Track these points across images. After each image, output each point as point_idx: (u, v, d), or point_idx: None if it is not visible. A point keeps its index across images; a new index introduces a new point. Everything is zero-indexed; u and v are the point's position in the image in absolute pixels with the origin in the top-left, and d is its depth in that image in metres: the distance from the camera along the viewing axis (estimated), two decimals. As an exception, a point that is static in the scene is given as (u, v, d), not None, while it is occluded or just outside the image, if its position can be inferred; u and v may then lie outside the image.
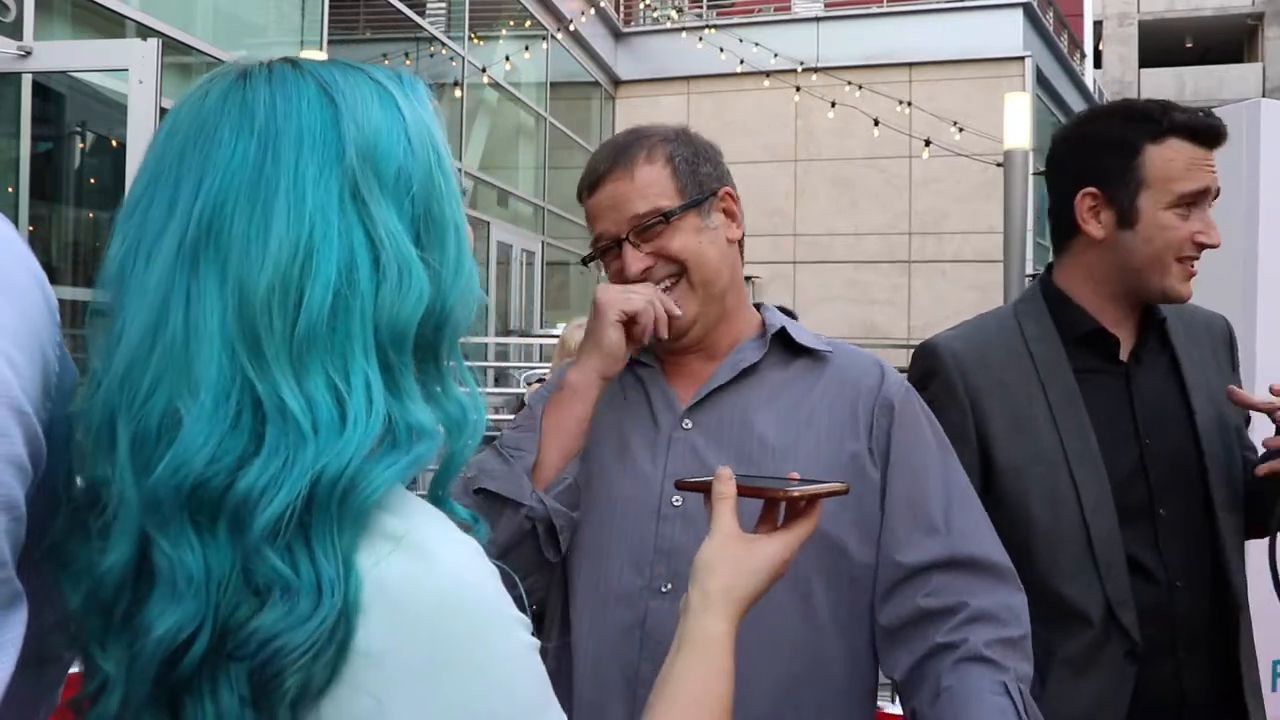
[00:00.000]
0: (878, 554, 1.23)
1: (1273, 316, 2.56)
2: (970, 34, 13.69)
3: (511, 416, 3.39)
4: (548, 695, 0.66)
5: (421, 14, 10.78)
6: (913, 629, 1.20)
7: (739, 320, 1.35)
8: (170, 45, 5.50)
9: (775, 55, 13.01)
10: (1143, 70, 26.58)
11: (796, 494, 0.95)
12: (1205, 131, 1.50)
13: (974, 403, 1.53)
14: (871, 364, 1.34)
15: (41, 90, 5.35)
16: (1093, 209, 1.56)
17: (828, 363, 1.32)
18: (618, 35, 14.89)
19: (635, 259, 1.27)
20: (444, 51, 11.03)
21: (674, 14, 15.42)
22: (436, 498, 0.74)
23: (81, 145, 5.97)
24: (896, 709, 1.27)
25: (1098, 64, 25.66)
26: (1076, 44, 18.79)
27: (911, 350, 1.78)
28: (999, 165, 7.75)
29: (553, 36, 12.86)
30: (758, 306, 1.41)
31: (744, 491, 0.95)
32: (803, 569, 1.16)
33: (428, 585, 0.61)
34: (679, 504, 1.23)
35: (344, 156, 0.67)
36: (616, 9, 14.88)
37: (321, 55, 2.65)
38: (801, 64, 13.05)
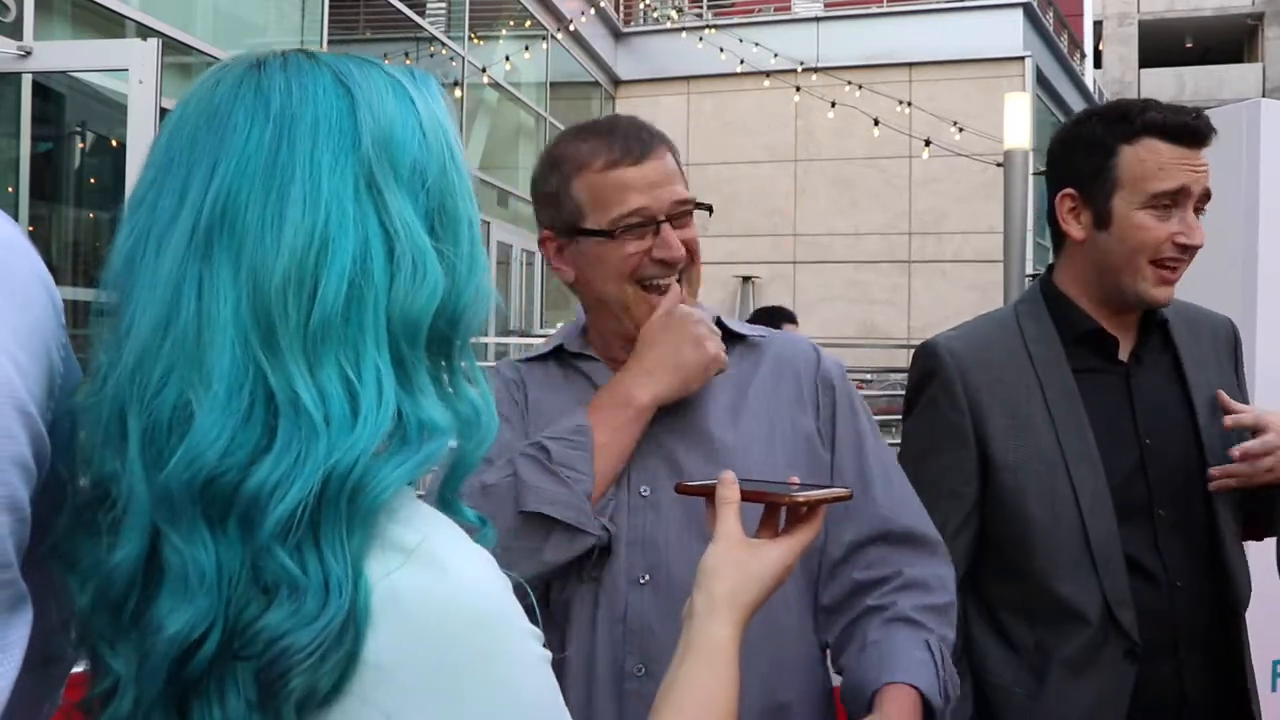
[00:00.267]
0: (825, 533, 1.25)
1: (1273, 316, 2.56)
2: (970, 34, 13.69)
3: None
4: (560, 707, 0.65)
5: (421, 14, 10.78)
6: (847, 600, 1.26)
7: None
8: (170, 45, 5.50)
9: (775, 55, 13.00)
10: (1143, 70, 26.57)
11: (801, 499, 0.94)
12: (1180, 130, 1.48)
13: (973, 402, 1.54)
14: (806, 345, 1.39)
15: (41, 90, 5.35)
16: (1073, 210, 1.57)
17: (764, 348, 1.35)
18: (618, 35, 14.88)
19: (679, 243, 1.24)
20: (444, 51, 11.03)
21: (674, 14, 15.41)
22: (445, 500, 0.73)
23: (81, 145, 5.97)
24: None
25: (1098, 64, 25.66)
26: (1076, 44, 18.79)
27: (911, 350, 1.78)
28: (999, 165, 7.76)
29: (553, 36, 12.86)
30: None
31: (747, 496, 0.95)
32: None
33: (440, 597, 0.61)
34: (646, 494, 1.23)
35: (359, 145, 0.66)
36: (616, 9, 14.88)
37: (322, 55, 2.64)
38: (801, 64, 13.05)
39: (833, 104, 12.09)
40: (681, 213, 1.26)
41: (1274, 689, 2.47)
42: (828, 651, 1.30)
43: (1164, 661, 1.49)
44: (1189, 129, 1.48)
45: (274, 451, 0.60)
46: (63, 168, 5.95)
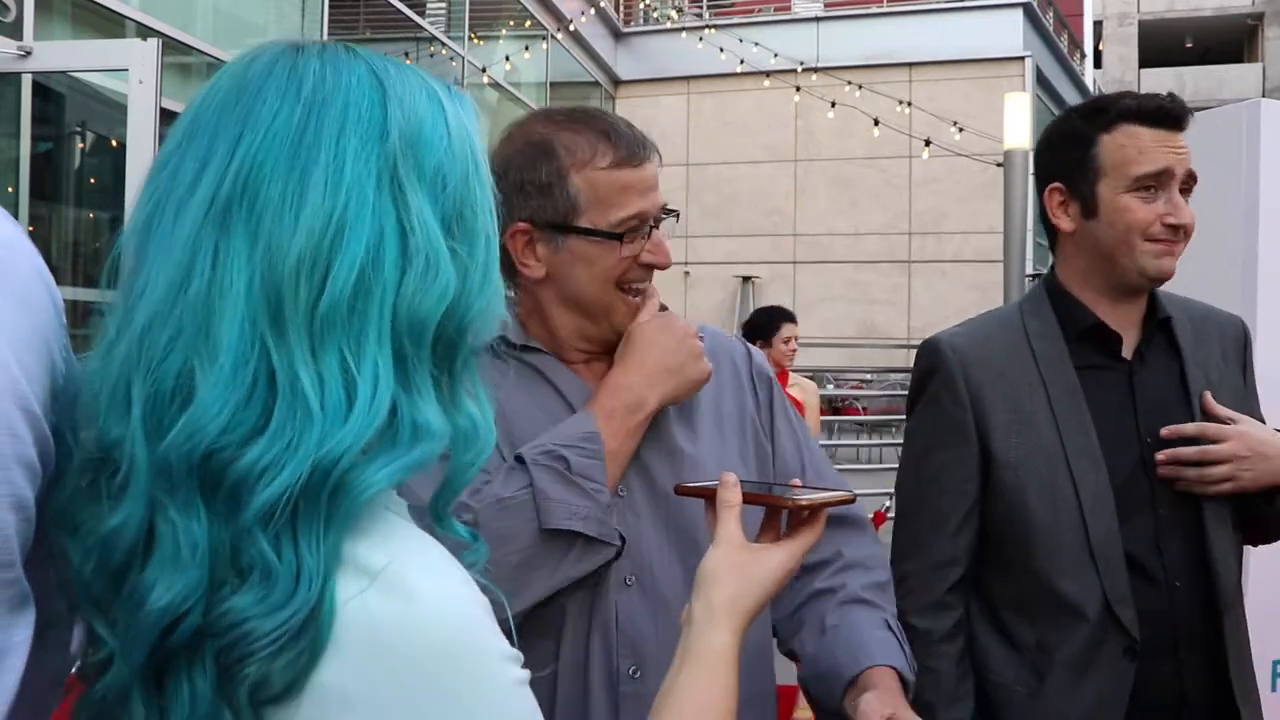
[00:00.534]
0: None
1: (1273, 316, 2.56)
2: (970, 34, 13.71)
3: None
4: None
5: (421, 14, 10.78)
6: (791, 583, 1.24)
7: None
8: (170, 45, 5.50)
9: (775, 55, 13.01)
10: (1143, 70, 26.57)
11: (804, 503, 0.93)
12: (1155, 113, 1.51)
13: (975, 398, 1.54)
14: (736, 339, 1.42)
15: (41, 90, 5.35)
16: (1061, 204, 1.59)
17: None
18: (618, 35, 14.89)
19: (668, 248, 1.25)
20: (444, 51, 11.03)
21: (674, 14, 15.42)
22: (437, 514, 0.72)
23: (81, 145, 5.97)
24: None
25: (1098, 64, 25.67)
26: (1076, 44, 18.79)
27: (911, 350, 1.79)
28: (999, 165, 7.76)
29: (553, 36, 12.86)
30: None
31: (749, 499, 0.94)
32: (701, 536, 1.20)
33: (408, 628, 0.59)
34: (624, 495, 1.21)
35: (387, 138, 0.66)
36: (616, 9, 14.88)
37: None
38: (801, 64, 13.06)
39: (833, 104, 12.10)
40: (662, 219, 1.25)
41: (1274, 689, 2.47)
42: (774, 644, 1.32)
43: (1164, 661, 1.49)
44: (1163, 111, 1.51)
45: (268, 433, 0.60)
46: (63, 168, 5.95)
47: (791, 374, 4.91)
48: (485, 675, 0.62)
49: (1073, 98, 16.39)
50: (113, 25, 5.98)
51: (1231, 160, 2.61)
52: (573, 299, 1.23)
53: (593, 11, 13.57)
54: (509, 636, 0.65)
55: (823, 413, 5.89)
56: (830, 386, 11.37)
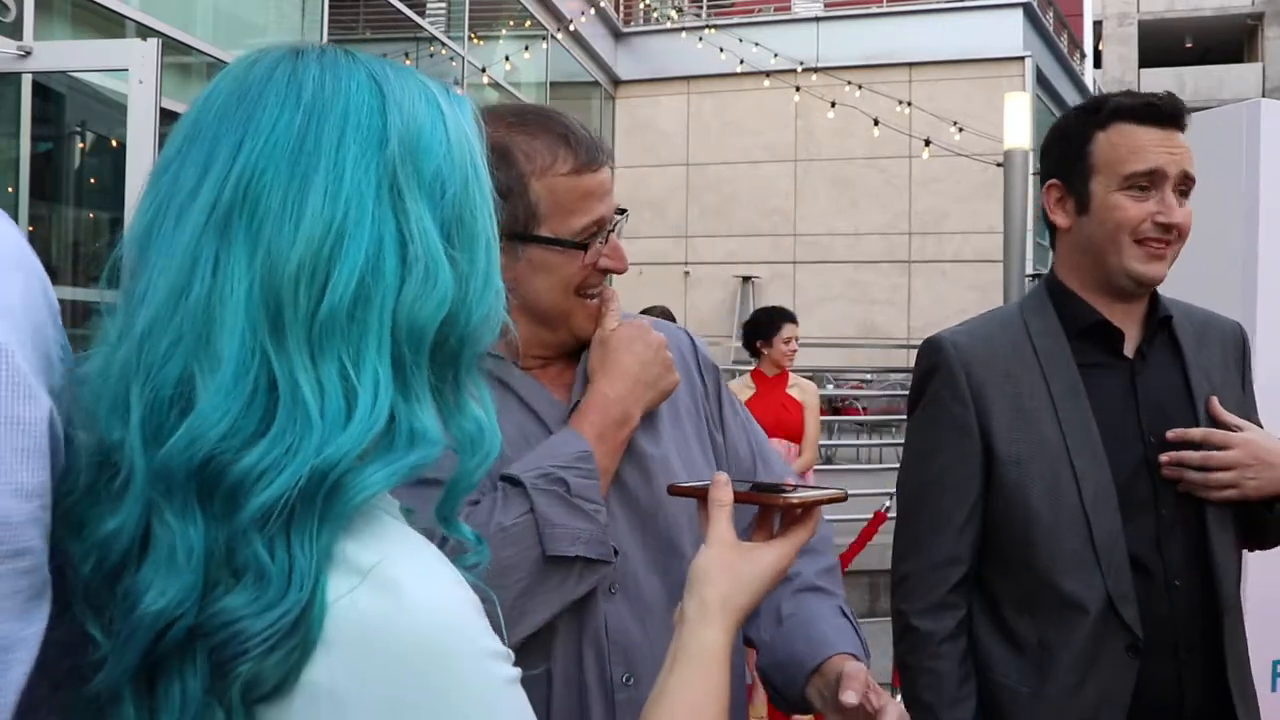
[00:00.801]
0: None
1: (1273, 316, 2.56)
2: (970, 34, 13.70)
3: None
4: None
5: (421, 14, 10.78)
6: None
7: None
8: (170, 45, 5.50)
9: (775, 55, 13.01)
10: (1143, 70, 26.57)
11: (796, 501, 0.94)
12: (1148, 111, 1.51)
13: (977, 395, 1.54)
14: (681, 329, 1.43)
15: (41, 90, 5.35)
16: (1058, 200, 1.61)
17: None
18: (618, 35, 14.88)
19: (624, 252, 1.24)
20: (444, 51, 11.03)
21: (674, 14, 15.42)
22: (444, 518, 0.73)
23: (81, 145, 5.97)
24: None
25: (1098, 64, 25.66)
26: (1076, 44, 18.79)
27: (911, 350, 1.79)
28: (999, 165, 7.76)
29: (553, 36, 12.86)
30: None
31: (741, 498, 0.94)
32: (677, 538, 1.23)
33: (397, 622, 0.60)
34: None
35: (386, 145, 0.67)
36: (616, 9, 14.88)
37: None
38: (801, 64, 13.05)
39: (833, 104, 12.09)
40: (618, 221, 1.24)
41: (1274, 689, 2.47)
42: None
43: (1165, 662, 1.49)
44: (1156, 109, 1.51)
45: (268, 438, 0.61)
46: (63, 168, 5.95)
47: (791, 374, 4.90)
48: (475, 673, 0.62)
49: (1073, 98, 16.38)
50: (113, 25, 5.98)
51: (1231, 160, 2.61)
52: (531, 307, 1.20)
53: (593, 11, 13.56)
54: (500, 635, 0.65)
55: (823, 413, 5.88)
56: (830, 386, 11.36)
